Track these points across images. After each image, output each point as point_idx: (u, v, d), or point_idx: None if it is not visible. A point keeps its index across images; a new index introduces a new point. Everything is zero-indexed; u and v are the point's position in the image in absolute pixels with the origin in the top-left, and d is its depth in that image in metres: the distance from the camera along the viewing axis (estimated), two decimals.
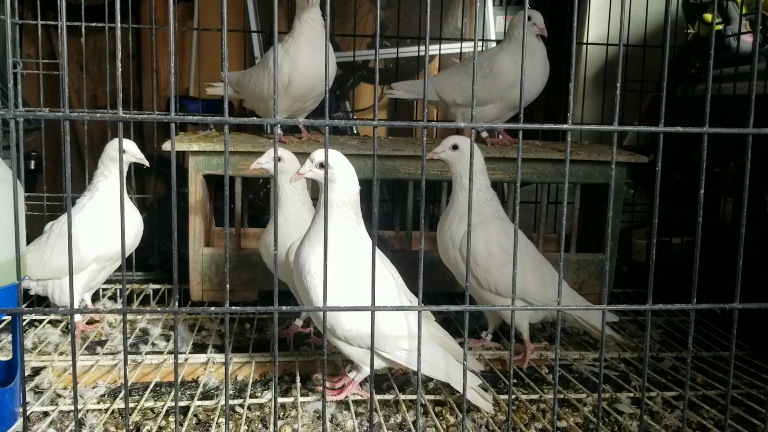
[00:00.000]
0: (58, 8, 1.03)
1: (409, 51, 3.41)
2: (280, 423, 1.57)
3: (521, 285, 1.86)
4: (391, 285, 1.59)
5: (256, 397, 1.69)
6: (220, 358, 1.88)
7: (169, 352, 1.92)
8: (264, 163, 1.78)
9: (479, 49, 2.84)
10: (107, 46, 2.51)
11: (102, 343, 2.02)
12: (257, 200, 3.20)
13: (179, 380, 1.79)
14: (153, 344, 2.02)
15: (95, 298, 2.33)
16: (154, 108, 2.62)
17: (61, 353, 1.90)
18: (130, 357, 1.86)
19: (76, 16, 2.32)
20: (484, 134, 2.40)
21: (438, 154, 1.86)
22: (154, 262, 2.64)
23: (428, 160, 1.92)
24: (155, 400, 1.66)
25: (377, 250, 1.48)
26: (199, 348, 1.99)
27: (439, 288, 2.33)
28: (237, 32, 3.25)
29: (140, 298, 2.43)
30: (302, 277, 1.51)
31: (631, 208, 2.84)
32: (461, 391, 1.22)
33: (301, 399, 1.65)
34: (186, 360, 1.87)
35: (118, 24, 1.28)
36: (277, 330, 1.16)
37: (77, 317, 2.07)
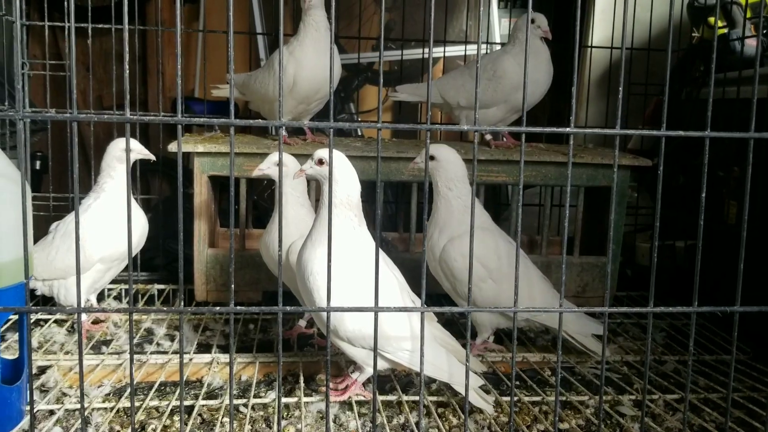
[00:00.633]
0: (65, 9, 1.04)
1: (413, 53, 3.42)
2: (283, 423, 1.58)
3: (502, 297, 1.87)
4: (394, 286, 1.60)
5: (260, 397, 1.70)
6: (224, 358, 1.89)
7: (174, 352, 1.93)
8: (265, 168, 1.82)
9: (483, 51, 2.85)
10: (113, 48, 2.52)
11: (107, 343, 2.03)
12: (261, 201, 3.21)
13: (184, 380, 1.80)
14: (158, 344, 2.03)
15: (100, 298, 2.35)
16: (159, 109, 2.63)
17: (67, 352, 1.91)
18: (134, 356, 1.87)
19: (82, 18, 2.34)
20: (488, 137, 2.41)
21: (417, 164, 1.86)
22: (159, 262, 2.66)
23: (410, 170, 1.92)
24: (160, 400, 1.67)
25: (380, 251, 1.50)
26: (203, 348, 2.00)
27: (441, 290, 2.33)
28: (242, 34, 3.27)
29: (145, 298, 2.45)
30: (305, 278, 1.52)
31: (635, 212, 2.84)
32: (463, 392, 1.22)
33: (304, 399, 1.66)
34: (190, 360, 1.88)
35: (126, 26, 1.29)
36: (281, 330, 1.17)
37: (83, 317, 2.08)
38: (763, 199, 2.05)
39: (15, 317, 2.02)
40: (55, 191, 2.52)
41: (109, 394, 1.71)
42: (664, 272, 2.51)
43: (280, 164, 1.15)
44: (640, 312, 1.25)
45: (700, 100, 2.60)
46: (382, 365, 1.61)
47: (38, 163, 2.99)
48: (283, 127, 1.73)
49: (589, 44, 3.07)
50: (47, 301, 2.17)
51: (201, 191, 2.24)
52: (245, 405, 1.64)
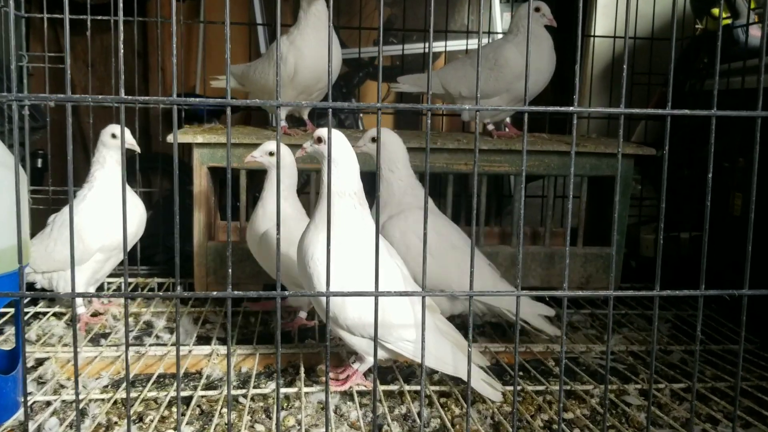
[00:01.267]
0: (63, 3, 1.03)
1: (415, 47, 3.41)
2: (283, 414, 1.56)
3: (442, 275, 1.84)
4: (397, 274, 1.58)
5: (259, 388, 1.68)
6: (224, 350, 1.86)
7: (173, 344, 1.91)
8: (258, 156, 1.83)
9: (485, 41, 2.82)
10: (113, 44, 2.50)
11: (106, 335, 2.01)
12: None
13: (182, 372, 1.78)
14: (157, 336, 2.01)
15: (99, 290, 2.33)
16: (159, 106, 2.61)
17: (65, 344, 1.89)
18: (133, 348, 1.85)
19: (82, 13, 2.32)
20: (491, 127, 2.38)
21: (360, 148, 1.85)
22: (159, 258, 2.64)
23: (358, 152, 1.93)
24: (158, 391, 1.65)
25: (382, 238, 1.47)
26: (203, 340, 1.97)
27: None
28: (242, 24, 3.25)
29: (145, 290, 2.43)
30: (305, 263, 1.50)
31: (639, 203, 2.82)
32: (467, 381, 1.20)
33: (305, 390, 1.63)
34: (190, 351, 1.86)
35: (121, 13, 1.28)
36: (279, 315, 1.15)
37: (81, 309, 2.07)
38: None
39: (12, 311, 2.00)
40: (55, 186, 2.50)
41: (107, 386, 1.69)
42: (668, 263, 2.48)
43: (277, 148, 1.12)
44: (647, 296, 1.22)
45: (703, 92, 2.57)
46: (383, 356, 1.59)
47: (39, 161, 2.98)
48: (283, 117, 1.72)
49: (592, 34, 3.04)
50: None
51: (200, 183, 2.22)
52: (245, 396, 1.61)
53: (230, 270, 1.10)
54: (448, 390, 1.67)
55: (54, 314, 2.14)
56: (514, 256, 2.36)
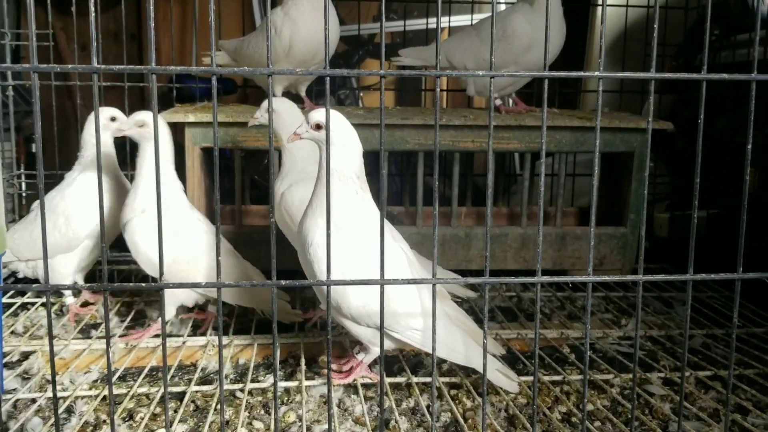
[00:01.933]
0: None
1: (416, 23, 3.28)
2: (283, 408, 1.46)
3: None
4: (402, 259, 1.47)
5: (258, 382, 1.58)
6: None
7: (170, 335, 1.81)
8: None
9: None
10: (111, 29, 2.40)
11: (96, 326, 1.91)
12: (262, 180, 3.08)
13: (176, 364, 1.68)
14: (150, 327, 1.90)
15: (91, 278, 2.22)
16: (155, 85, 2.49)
17: (53, 337, 1.79)
18: (124, 340, 1.75)
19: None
20: (498, 102, 2.27)
21: (257, 119, 1.78)
22: None
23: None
24: (150, 386, 1.55)
25: (387, 223, 1.36)
26: (198, 330, 1.87)
27: (451, 265, 2.21)
28: None
29: (137, 280, 2.32)
30: (305, 250, 1.39)
31: (653, 180, 2.70)
32: (482, 372, 1.10)
33: (306, 383, 1.53)
34: (184, 343, 1.76)
35: None
36: (275, 307, 1.04)
37: (71, 299, 1.97)
38: None
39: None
40: (47, 170, 2.39)
41: (96, 381, 1.59)
42: (684, 242, 2.37)
43: (269, 111, 1.01)
44: (679, 279, 1.11)
45: (715, 65, 2.45)
46: (389, 345, 1.48)
47: (33, 146, 2.88)
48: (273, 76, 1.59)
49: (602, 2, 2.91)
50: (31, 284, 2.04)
51: (193, 165, 2.11)
52: (242, 390, 1.51)
53: (219, 258, 1.00)
54: (459, 381, 1.57)
55: (43, 305, 2.04)
56: (524, 237, 2.26)
